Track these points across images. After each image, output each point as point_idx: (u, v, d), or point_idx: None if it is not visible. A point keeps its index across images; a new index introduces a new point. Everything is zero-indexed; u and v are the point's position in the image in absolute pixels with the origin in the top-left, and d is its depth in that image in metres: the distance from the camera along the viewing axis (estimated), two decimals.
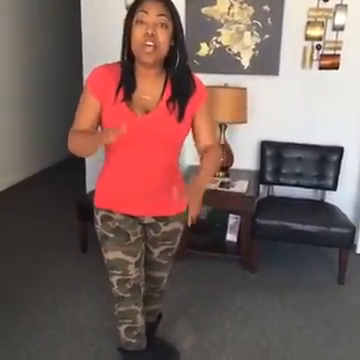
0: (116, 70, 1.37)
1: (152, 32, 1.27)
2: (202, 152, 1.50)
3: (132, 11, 1.31)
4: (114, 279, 1.57)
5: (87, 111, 1.39)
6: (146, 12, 1.28)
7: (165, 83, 1.40)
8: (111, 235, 1.51)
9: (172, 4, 1.34)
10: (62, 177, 4.58)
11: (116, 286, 1.58)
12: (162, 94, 1.39)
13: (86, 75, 1.57)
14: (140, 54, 1.30)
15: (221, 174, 2.91)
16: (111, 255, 1.53)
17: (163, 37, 1.29)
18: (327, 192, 3.00)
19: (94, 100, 1.37)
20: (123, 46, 1.36)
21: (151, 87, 1.39)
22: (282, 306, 2.40)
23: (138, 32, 1.29)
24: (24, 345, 2.02)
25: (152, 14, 1.28)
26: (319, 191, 3.05)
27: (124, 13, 1.36)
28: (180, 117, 1.38)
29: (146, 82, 1.38)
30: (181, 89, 1.37)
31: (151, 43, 1.27)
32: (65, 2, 4.89)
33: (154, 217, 1.55)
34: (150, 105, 1.37)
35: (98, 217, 1.53)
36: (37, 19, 4.52)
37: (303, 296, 2.50)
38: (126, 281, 1.56)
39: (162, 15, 1.29)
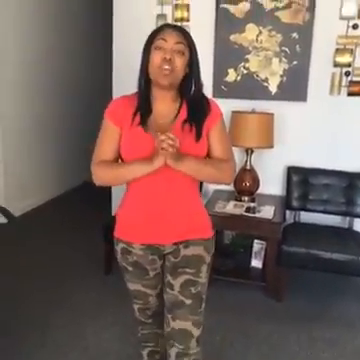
0: (133, 99, 1.44)
1: (170, 57, 1.34)
2: None
3: (151, 39, 1.39)
4: (135, 307, 1.62)
5: (108, 139, 1.44)
6: (165, 40, 1.36)
7: (180, 106, 1.45)
8: (130, 268, 1.53)
9: (189, 35, 1.42)
10: (80, 200, 4.59)
11: (137, 313, 1.64)
12: (176, 116, 1.44)
13: None
14: (157, 77, 1.37)
15: (247, 199, 2.89)
16: (131, 286, 1.58)
17: (179, 63, 1.36)
18: (356, 219, 2.92)
19: (114, 127, 1.42)
20: (141, 71, 1.42)
21: (167, 110, 1.44)
22: (309, 338, 2.32)
23: (156, 57, 1.36)
24: None
25: (170, 41, 1.36)
26: (347, 218, 2.97)
27: None
28: (198, 136, 1.41)
29: (162, 106, 1.44)
30: (196, 111, 1.43)
31: (168, 67, 1.34)
32: (97, 34, 5.08)
33: (175, 244, 1.49)
34: (166, 127, 1.39)
35: (118, 249, 1.54)
36: (70, 44, 4.69)
37: (332, 328, 2.41)
38: (147, 309, 1.62)
39: (180, 43, 1.37)
